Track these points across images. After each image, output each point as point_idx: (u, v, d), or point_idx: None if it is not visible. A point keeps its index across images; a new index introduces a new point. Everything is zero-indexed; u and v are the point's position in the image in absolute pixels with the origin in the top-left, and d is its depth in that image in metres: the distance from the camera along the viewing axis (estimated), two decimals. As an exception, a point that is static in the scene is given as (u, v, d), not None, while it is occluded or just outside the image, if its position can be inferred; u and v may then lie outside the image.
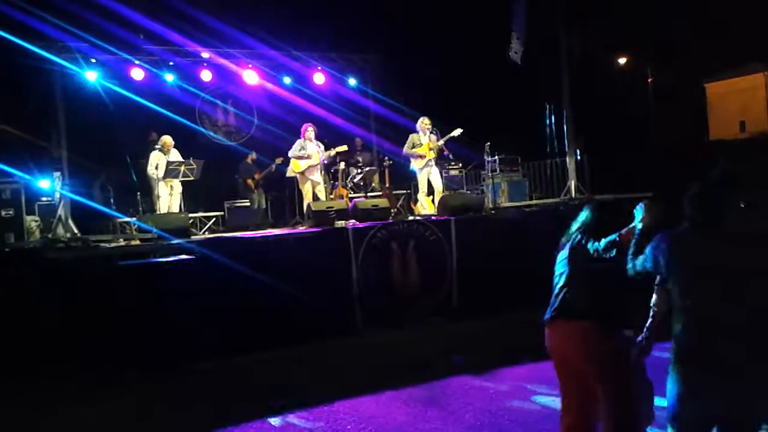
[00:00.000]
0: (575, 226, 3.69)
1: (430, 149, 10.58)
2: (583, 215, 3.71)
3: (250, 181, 12.37)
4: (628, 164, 12.10)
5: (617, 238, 3.26)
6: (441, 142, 10.61)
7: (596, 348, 3.38)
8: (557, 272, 3.66)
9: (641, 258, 3.05)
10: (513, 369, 6.20)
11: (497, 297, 8.37)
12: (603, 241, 3.35)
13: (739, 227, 2.81)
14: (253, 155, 12.81)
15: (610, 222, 3.42)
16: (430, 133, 10.62)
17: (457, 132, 10.61)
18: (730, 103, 43.51)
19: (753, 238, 2.78)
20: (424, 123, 10.67)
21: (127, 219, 10.29)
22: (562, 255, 3.67)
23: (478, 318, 8.32)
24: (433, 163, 10.69)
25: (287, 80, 13.47)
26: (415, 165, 10.85)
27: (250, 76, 12.95)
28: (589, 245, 3.43)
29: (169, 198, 10.00)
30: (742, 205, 4.02)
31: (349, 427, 5.12)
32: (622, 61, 19.47)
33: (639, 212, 3.25)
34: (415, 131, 10.81)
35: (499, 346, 7.04)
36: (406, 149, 10.76)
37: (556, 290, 3.60)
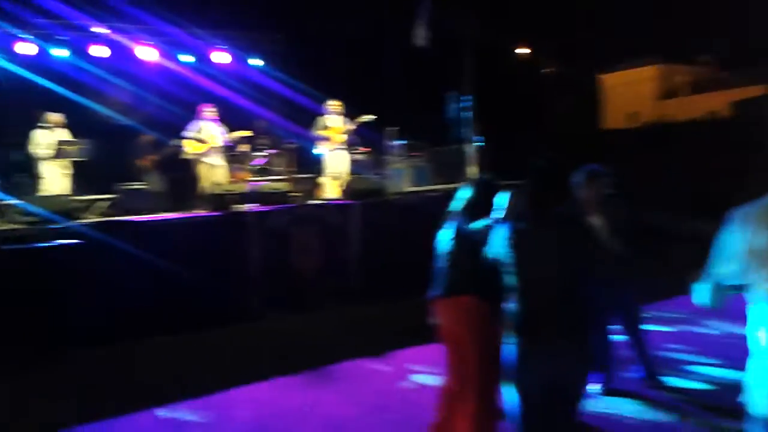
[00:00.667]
0: (458, 204, 3.84)
1: (339, 133, 10.55)
2: (465, 193, 3.86)
3: (145, 163, 11.90)
4: (524, 151, 12.49)
5: (493, 222, 3.40)
6: (351, 126, 10.60)
7: (476, 321, 3.61)
8: (442, 251, 3.81)
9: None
10: (405, 351, 6.30)
11: (398, 281, 8.46)
12: (480, 223, 3.50)
13: (565, 211, 3.12)
14: (149, 136, 12.30)
15: (488, 200, 3.53)
16: (341, 116, 10.59)
17: (369, 118, 10.66)
18: (622, 94, 45.79)
19: (566, 221, 3.08)
20: (333, 106, 10.62)
21: (11, 201, 9.68)
22: (446, 235, 3.81)
23: (379, 302, 8.38)
24: (341, 146, 10.66)
25: (187, 58, 13.03)
26: (322, 148, 10.79)
27: (147, 53, 12.43)
28: (469, 226, 3.60)
29: (56, 179, 9.46)
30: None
31: (243, 414, 5.07)
32: (523, 51, 20.07)
33: (502, 200, 3.38)
34: (322, 113, 10.75)
35: (396, 330, 7.13)
36: (315, 131, 10.69)
37: (441, 269, 3.79)
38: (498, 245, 3.13)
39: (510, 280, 3.07)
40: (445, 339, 3.86)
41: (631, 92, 44.34)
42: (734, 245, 2.36)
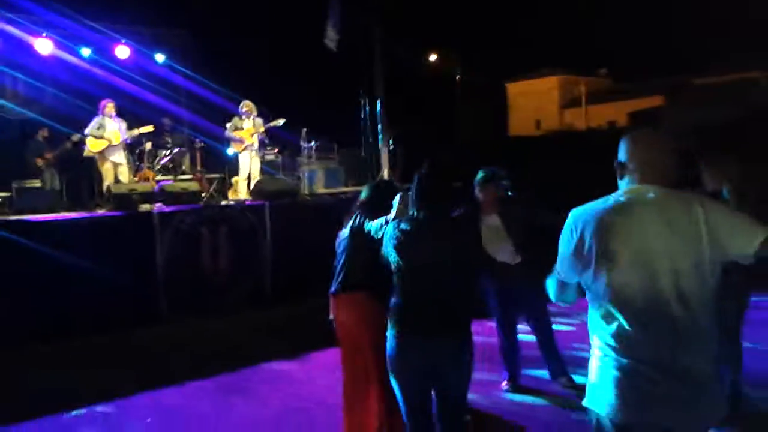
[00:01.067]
0: (356, 204, 3.98)
1: (252, 134, 10.35)
2: (363, 194, 4.02)
3: (40, 160, 11.23)
4: (433, 155, 12.69)
5: (385, 222, 3.48)
6: (263, 128, 10.43)
7: (370, 316, 3.68)
8: (339, 249, 3.95)
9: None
10: (320, 353, 6.21)
11: (309, 282, 8.37)
12: (375, 223, 3.58)
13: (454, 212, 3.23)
14: (45, 131, 11.62)
15: (385, 201, 3.59)
16: (254, 117, 10.40)
17: (280, 122, 10.58)
18: (527, 102, 47.49)
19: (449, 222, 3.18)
20: (247, 106, 10.42)
21: None
22: (345, 233, 3.93)
23: (290, 304, 8.27)
24: (253, 147, 10.47)
25: (86, 52, 12.40)
26: (234, 148, 10.57)
27: (43, 46, 11.75)
28: (366, 225, 3.68)
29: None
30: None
31: (148, 420, 4.85)
32: (433, 57, 20.40)
33: (395, 201, 3.47)
34: (234, 113, 10.55)
35: (308, 332, 7.02)
36: (228, 131, 10.46)
37: (339, 266, 3.92)
38: (385, 243, 3.24)
39: (394, 275, 3.18)
40: (341, 334, 3.97)
41: (535, 101, 46.06)
42: (565, 246, 2.40)
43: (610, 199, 2.32)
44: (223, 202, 9.83)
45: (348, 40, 11.97)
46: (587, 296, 2.38)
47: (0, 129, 11.15)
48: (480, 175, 5.02)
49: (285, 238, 8.81)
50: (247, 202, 9.26)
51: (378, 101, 12.32)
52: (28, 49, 11.94)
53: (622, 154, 2.38)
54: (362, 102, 13.61)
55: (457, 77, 22.20)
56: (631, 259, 2.19)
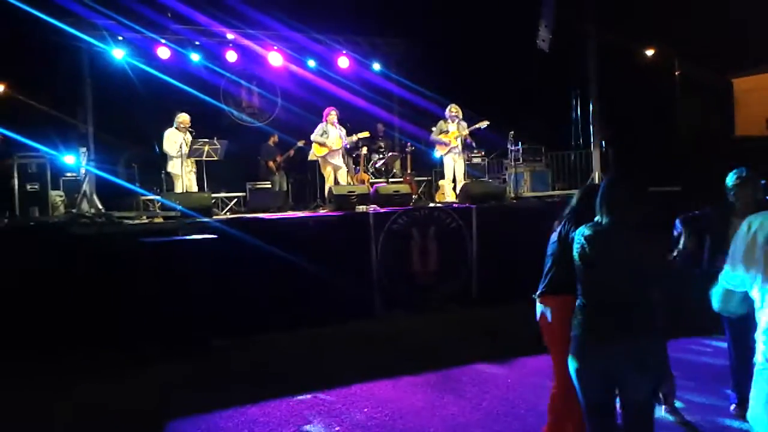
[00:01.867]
0: (566, 210, 3.95)
1: (456, 137, 10.56)
2: (573, 200, 3.97)
3: (271, 164, 12.41)
4: (653, 157, 11.97)
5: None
6: (467, 131, 10.59)
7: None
8: (548, 253, 3.99)
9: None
10: (528, 358, 6.17)
11: (515, 286, 8.32)
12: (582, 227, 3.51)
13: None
14: (275, 137, 12.83)
15: (595, 207, 3.49)
16: (459, 120, 10.60)
17: (484, 124, 10.64)
18: (757, 99, 42.88)
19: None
20: (452, 110, 10.66)
21: (151, 196, 10.36)
22: (553, 237, 3.96)
23: (496, 306, 8.30)
24: (457, 150, 10.67)
25: (311, 63, 13.45)
26: (439, 151, 10.84)
27: (275, 58, 12.94)
28: (571, 232, 3.61)
29: (186, 176, 9.91)
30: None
31: (365, 409, 5.16)
32: (650, 52, 19.17)
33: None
34: (441, 117, 10.82)
35: (516, 335, 7.00)
36: (433, 135, 10.78)
37: (546, 269, 3.98)
38: (575, 245, 3.28)
39: (580, 278, 3.25)
40: (546, 337, 4.00)
41: (765, 98, 41.50)
42: (737, 248, 2.33)
43: None
44: (431, 204, 10.12)
45: (560, 38, 11.71)
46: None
47: (236, 136, 12.43)
48: (734, 175, 4.63)
49: (491, 241, 8.86)
50: (454, 205, 9.45)
51: (590, 101, 11.91)
52: (262, 61, 13.23)
53: None
54: (573, 102, 13.25)
55: (677, 73, 20.67)
56: None
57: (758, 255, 2.22)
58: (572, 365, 3.21)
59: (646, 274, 3.08)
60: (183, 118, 9.98)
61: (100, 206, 8.93)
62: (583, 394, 3.20)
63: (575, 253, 3.24)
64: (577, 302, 3.26)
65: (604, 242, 3.15)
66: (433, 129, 10.77)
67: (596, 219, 3.25)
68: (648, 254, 3.14)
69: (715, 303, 2.49)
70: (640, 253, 3.07)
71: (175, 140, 9.85)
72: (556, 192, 12.14)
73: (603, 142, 12.00)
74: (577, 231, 3.30)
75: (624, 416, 3.17)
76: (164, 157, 10.04)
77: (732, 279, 2.37)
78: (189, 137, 9.85)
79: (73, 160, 10.45)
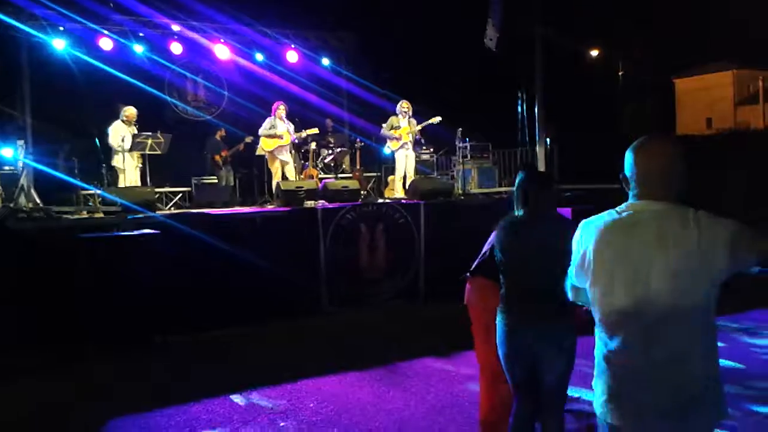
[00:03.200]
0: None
1: (408, 133, 10.61)
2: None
3: (217, 158, 12.22)
4: (596, 154, 12.27)
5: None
6: (418, 127, 10.66)
7: (484, 298, 4.00)
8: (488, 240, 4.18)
9: None
10: (473, 352, 6.23)
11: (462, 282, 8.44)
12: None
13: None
14: (222, 131, 12.64)
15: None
16: (410, 117, 10.65)
17: (436, 120, 10.73)
18: (697, 99, 44.33)
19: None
20: (403, 106, 10.70)
21: (92, 190, 10.08)
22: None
23: (442, 302, 8.30)
24: (409, 146, 10.72)
25: (259, 57, 13.29)
26: (390, 147, 10.87)
27: (221, 51, 12.74)
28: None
29: (130, 171, 9.69)
30: None
31: (311, 405, 5.14)
32: (594, 53, 19.63)
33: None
34: (391, 113, 10.84)
35: (462, 331, 7.07)
36: (384, 130, 10.79)
37: (481, 254, 4.23)
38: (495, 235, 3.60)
39: (499, 267, 3.55)
40: (472, 316, 4.31)
41: (706, 98, 42.94)
42: (574, 255, 2.44)
43: (613, 214, 2.28)
44: (380, 200, 10.14)
45: (508, 38, 11.86)
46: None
47: (182, 129, 12.21)
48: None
49: (438, 237, 8.94)
50: (402, 201, 9.49)
51: (536, 99, 12.11)
52: (208, 54, 13.01)
53: (625, 167, 2.29)
54: (520, 100, 13.46)
55: (620, 73, 21.25)
56: (618, 279, 2.19)
57: (586, 265, 2.33)
58: (500, 350, 3.50)
59: (556, 264, 3.12)
60: (130, 111, 9.82)
61: (39, 200, 8.64)
62: (510, 375, 3.52)
63: (495, 242, 3.53)
64: (501, 291, 3.54)
65: (516, 232, 3.47)
66: (384, 125, 10.79)
67: (513, 213, 3.53)
68: (558, 245, 3.17)
69: (569, 294, 2.59)
70: (551, 243, 3.21)
71: (120, 133, 9.64)
72: (503, 188, 12.32)
73: (548, 140, 12.22)
74: (499, 222, 3.56)
75: (543, 392, 3.43)
76: (108, 151, 9.81)
77: (575, 278, 2.45)
78: (134, 130, 9.65)
79: (11, 153, 10.06)
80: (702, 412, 2.14)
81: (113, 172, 9.92)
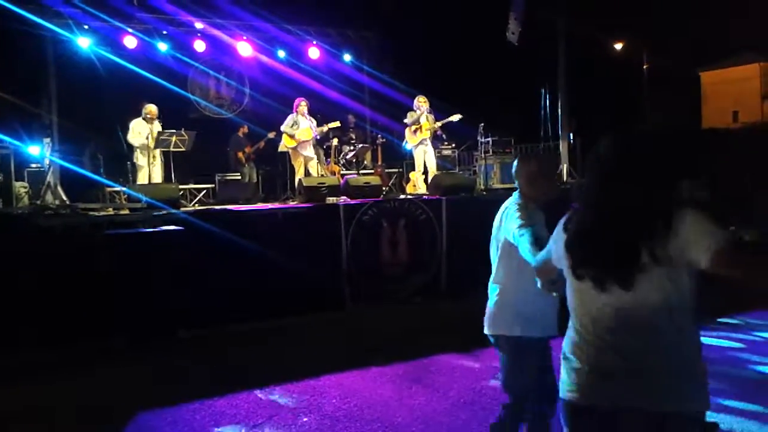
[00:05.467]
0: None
1: (427, 129, 10.59)
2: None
3: (240, 155, 12.31)
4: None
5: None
6: (438, 124, 10.63)
7: None
8: None
9: None
10: (496, 349, 6.22)
11: (484, 278, 8.39)
12: None
13: None
14: (245, 128, 12.74)
15: None
16: (428, 112, 10.63)
17: (456, 118, 10.68)
18: (724, 92, 43.63)
19: None
20: (420, 101, 10.67)
21: (116, 187, 10.21)
22: None
23: (464, 298, 8.31)
24: (428, 141, 10.70)
25: (281, 53, 13.37)
26: (410, 143, 10.85)
27: (244, 48, 12.83)
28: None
29: (149, 168, 9.77)
30: None
31: (333, 400, 5.16)
32: (618, 46, 19.41)
33: None
34: (412, 109, 10.82)
35: (483, 327, 7.08)
36: (405, 126, 10.80)
37: None
38: None
39: None
40: None
41: (732, 91, 42.25)
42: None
43: None
44: (401, 196, 10.14)
45: (530, 32, 11.79)
46: None
47: (205, 127, 12.31)
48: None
49: (460, 232, 8.90)
50: (424, 197, 9.48)
51: (559, 93, 12.02)
52: (231, 51, 13.10)
53: None
54: (543, 95, 13.36)
55: (645, 66, 20.96)
56: None
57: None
58: None
59: None
60: (150, 108, 9.87)
61: (65, 198, 8.78)
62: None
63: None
64: None
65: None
66: (407, 120, 10.77)
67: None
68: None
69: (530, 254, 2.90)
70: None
71: (140, 131, 9.76)
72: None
73: (571, 134, 12.13)
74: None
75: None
76: (130, 148, 9.92)
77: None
78: (158, 127, 9.74)
79: (38, 151, 10.25)
80: None
81: (135, 169, 10.03)
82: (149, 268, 6.86)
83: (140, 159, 9.75)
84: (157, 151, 9.87)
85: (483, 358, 6.09)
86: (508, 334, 3.45)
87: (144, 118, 9.82)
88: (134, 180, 9.83)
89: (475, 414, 4.80)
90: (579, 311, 2.22)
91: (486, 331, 3.60)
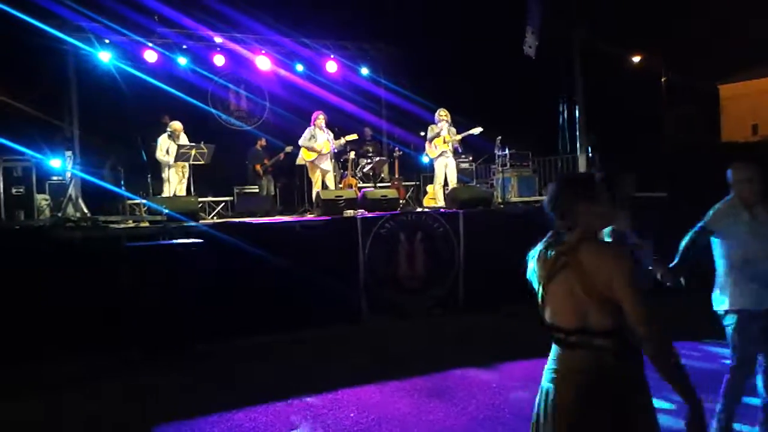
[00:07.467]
0: None
1: (445, 142, 10.59)
2: None
3: (259, 168, 12.38)
4: (639, 163, 12.07)
5: None
6: (459, 137, 10.64)
7: None
8: None
9: None
10: (515, 364, 6.21)
11: (502, 291, 8.36)
12: None
13: None
14: (263, 141, 12.82)
15: None
16: (449, 125, 10.64)
17: (477, 131, 10.66)
18: (742, 105, 43.24)
19: None
20: (441, 114, 10.69)
21: (137, 200, 10.31)
22: None
23: (482, 311, 8.36)
24: (449, 154, 10.71)
25: (300, 67, 13.46)
26: (430, 155, 10.87)
27: (263, 62, 12.94)
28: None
29: (176, 183, 9.96)
30: None
31: (351, 414, 5.15)
32: (636, 59, 19.35)
33: None
34: (430, 122, 10.85)
35: (502, 341, 7.07)
36: (424, 139, 10.85)
37: None
38: None
39: None
40: None
41: (751, 103, 41.86)
42: None
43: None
44: (419, 209, 10.13)
45: (547, 45, 11.78)
46: None
47: (224, 140, 12.40)
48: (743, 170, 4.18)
49: (478, 246, 8.87)
50: (441, 210, 9.46)
51: (577, 106, 11.98)
52: (250, 65, 13.22)
53: None
54: (560, 108, 13.33)
55: (663, 79, 20.88)
56: None
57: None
58: None
59: None
60: (175, 126, 10.13)
61: (86, 210, 8.86)
62: None
63: None
64: None
65: None
66: (427, 133, 10.79)
67: None
68: None
69: None
70: None
71: (166, 147, 10.00)
72: (543, 197, 12.18)
73: (589, 148, 12.08)
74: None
75: None
76: (152, 161, 10.08)
77: None
78: (183, 142, 9.94)
79: (59, 164, 10.35)
80: None
81: (158, 183, 10.15)
82: (168, 280, 6.91)
83: (172, 177, 9.91)
84: (187, 167, 10.02)
85: (501, 373, 6.07)
86: None
87: (169, 135, 10.00)
88: (157, 193, 9.96)
89: (493, 430, 4.76)
90: None
91: None
